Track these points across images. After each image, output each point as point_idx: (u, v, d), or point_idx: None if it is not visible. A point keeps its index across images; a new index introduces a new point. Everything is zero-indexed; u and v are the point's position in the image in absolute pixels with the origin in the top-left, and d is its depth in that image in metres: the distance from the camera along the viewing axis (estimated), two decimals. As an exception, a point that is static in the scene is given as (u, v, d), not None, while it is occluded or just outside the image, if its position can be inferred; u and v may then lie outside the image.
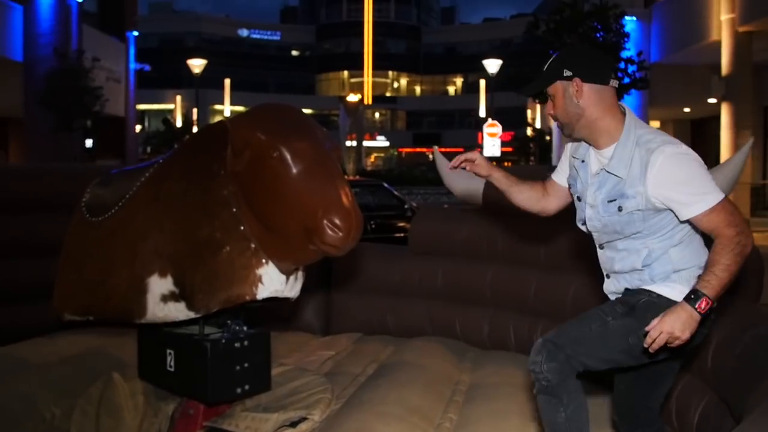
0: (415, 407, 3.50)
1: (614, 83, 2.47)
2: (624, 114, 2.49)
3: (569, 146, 2.74)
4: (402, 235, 9.90)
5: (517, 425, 3.26)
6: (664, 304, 2.38)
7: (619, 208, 2.42)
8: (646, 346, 2.28)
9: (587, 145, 2.57)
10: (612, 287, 2.61)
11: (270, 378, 3.75)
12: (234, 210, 3.22)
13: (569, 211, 2.76)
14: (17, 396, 3.72)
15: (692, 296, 2.23)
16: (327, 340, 5.05)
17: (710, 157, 25.68)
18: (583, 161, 2.58)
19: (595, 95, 2.44)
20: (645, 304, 2.43)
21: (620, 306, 2.49)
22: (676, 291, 2.41)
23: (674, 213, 2.37)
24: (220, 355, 3.47)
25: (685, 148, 2.38)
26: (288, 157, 3.03)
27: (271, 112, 3.30)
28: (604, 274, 2.64)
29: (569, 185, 2.73)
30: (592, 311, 2.53)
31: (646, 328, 2.27)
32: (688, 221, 2.38)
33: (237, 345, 3.53)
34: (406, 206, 11.34)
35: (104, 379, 3.91)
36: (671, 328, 2.22)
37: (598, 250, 2.64)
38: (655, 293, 2.45)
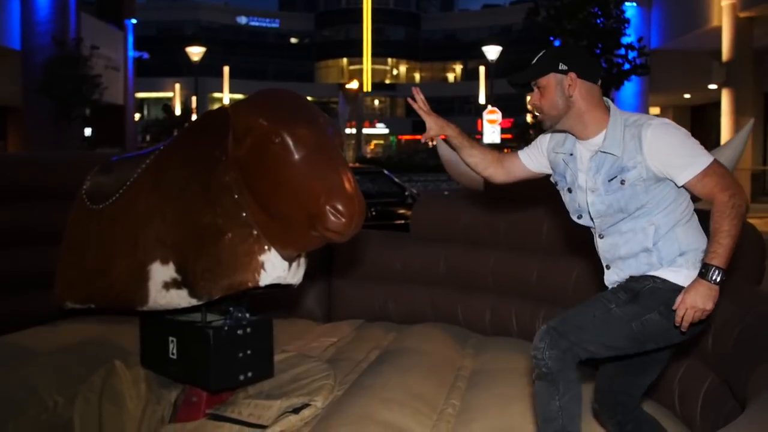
0: (417, 393, 3.51)
1: (599, 83, 2.60)
2: (608, 107, 2.59)
3: (547, 139, 2.78)
4: (403, 222, 9.88)
5: (520, 411, 3.25)
6: (668, 289, 2.43)
7: (622, 182, 2.48)
8: (677, 324, 2.36)
9: (572, 138, 2.63)
10: (614, 277, 2.61)
11: (273, 365, 3.76)
12: (236, 196, 3.22)
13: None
14: (20, 384, 3.73)
15: (703, 270, 2.33)
16: (329, 327, 5.06)
17: (710, 144, 25.65)
18: (571, 154, 2.64)
19: (585, 91, 2.54)
20: (649, 290, 2.47)
21: (623, 293, 2.51)
22: (681, 276, 2.45)
23: (672, 180, 2.45)
24: (223, 342, 3.47)
25: (670, 121, 2.50)
26: (290, 142, 3.02)
27: (273, 97, 3.29)
28: (604, 265, 2.65)
29: (555, 182, 2.77)
30: (595, 298, 2.55)
31: (674, 307, 2.35)
32: (686, 193, 2.48)
33: (239, 332, 3.53)
34: (406, 193, 11.32)
35: (107, 366, 3.91)
36: (694, 302, 2.32)
37: (597, 240, 2.65)
38: (659, 278, 2.47)
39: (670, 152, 2.41)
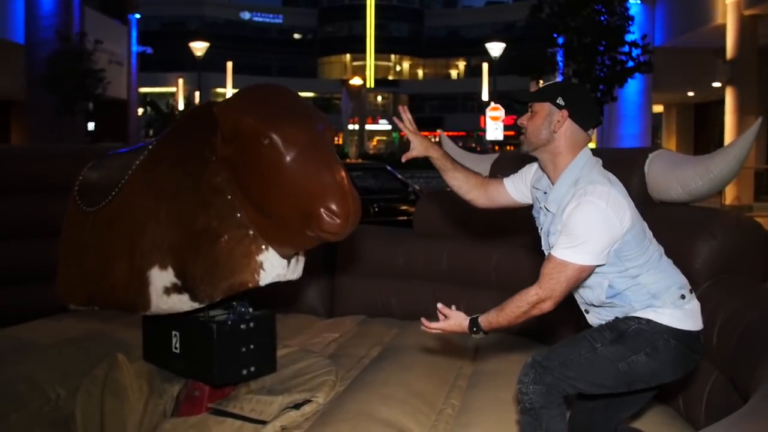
0: (417, 391, 3.50)
1: (590, 133, 2.55)
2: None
3: (532, 171, 2.75)
4: (405, 218, 9.88)
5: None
6: (653, 331, 2.41)
7: (550, 244, 2.47)
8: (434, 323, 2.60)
9: (548, 178, 2.59)
10: (595, 320, 2.60)
11: (275, 360, 3.75)
12: (228, 197, 3.15)
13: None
14: (22, 377, 3.73)
15: (472, 323, 2.54)
16: (331, 323, 5.05)
17: (713, 142, 25.65)
18: (545, 193, 2.60)
19: (571, 133, 2.49)
20: (634, 332, 2.43)
21: (608, 332, 2.47)
22: (665, 316, 2.42)
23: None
24: (226, 337, 3.46)
25: (602, 199, 2.35)
26: (280, 143, 2.93)
27: (261, 94, 3.19)
28: (583, 309, 2.65)
29: (534, 217, 2.74)
30: (582, 336, 2.52)
31: (439, 307, 2.62)
32: (641, 245, 2.43)
33: (242, 327, 3.52)
34: (409, 189, 11.31)
35: (109, 360, 3.91)
36: (451, 330, 2.61)
37: None
38: (644, 319, 2.44)
39: (567, 224, 2.36)
